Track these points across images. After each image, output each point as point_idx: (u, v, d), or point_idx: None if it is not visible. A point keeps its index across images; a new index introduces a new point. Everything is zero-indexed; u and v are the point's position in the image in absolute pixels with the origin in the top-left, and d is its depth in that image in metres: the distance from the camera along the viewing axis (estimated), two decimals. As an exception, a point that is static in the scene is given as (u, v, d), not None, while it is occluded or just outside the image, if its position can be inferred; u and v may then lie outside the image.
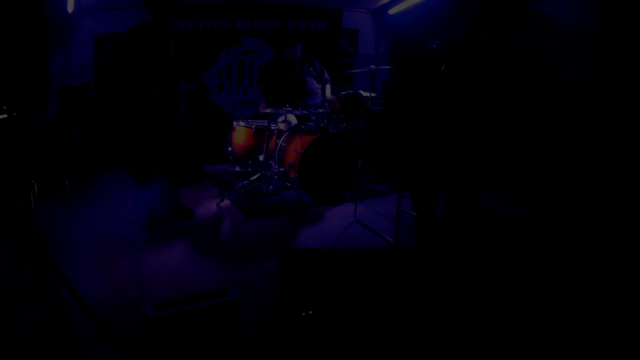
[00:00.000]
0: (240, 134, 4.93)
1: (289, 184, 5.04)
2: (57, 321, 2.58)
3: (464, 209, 4.05)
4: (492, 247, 3.71)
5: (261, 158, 4.83)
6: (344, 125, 5.21)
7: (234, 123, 5.03)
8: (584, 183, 4.58)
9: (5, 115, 2.28)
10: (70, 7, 4.80)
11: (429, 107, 4.03)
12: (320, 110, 5.11)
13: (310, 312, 2.57)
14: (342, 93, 5.28)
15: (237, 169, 4.97)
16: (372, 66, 5.91)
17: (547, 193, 4.77)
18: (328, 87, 5.64)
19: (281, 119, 5.16)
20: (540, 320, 2.76)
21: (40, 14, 2.22)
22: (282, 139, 5.01)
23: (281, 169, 4.95)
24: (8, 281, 2.45)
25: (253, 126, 4.89)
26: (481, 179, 4.26)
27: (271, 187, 5.01)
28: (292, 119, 5.28)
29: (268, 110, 5.15)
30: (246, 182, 5.10)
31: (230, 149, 4.98)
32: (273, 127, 4.90)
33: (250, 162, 4.85)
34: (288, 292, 2.61)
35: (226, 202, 4.88)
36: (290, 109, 5.05)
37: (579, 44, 4.68)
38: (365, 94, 5.52)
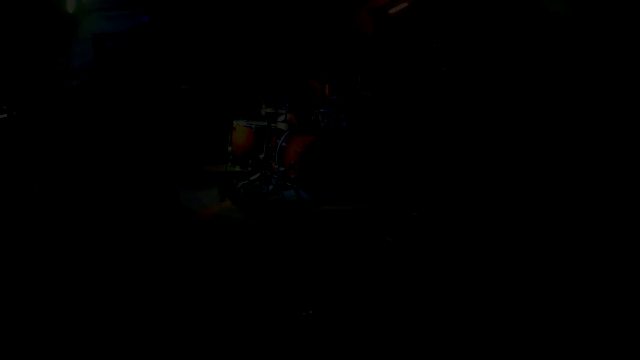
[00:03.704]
0: (241, 133, 4.94)
1: (289, 184, 5.04)
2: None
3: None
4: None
5: (261, 158, 4.83)
6: (344, 125, 5.22)
7: (234, 123, 5.03)
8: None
9: (5, 115, 2.29)
10: (70, 7, 4.81)
11: (429, 107, 4.03)
12: (321, 110, 5.12)
13: (310, 312, 2.57)
14: (342, 93, 5.29)
15: (237, 168, 4.97)
16: (371, 66, 5.91)
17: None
18: (327, 87, 5.65)
19: (281, 119, 5.17)
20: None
21: (40, 15, 2.22)
22: (282, 139, 5.01)
23: (281, 169, 4.95)
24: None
25: (253, 126, 4.89)
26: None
27: (271, 187, 5.01)
28: (292, 119, 5.29)
29: (268, 110, 5.16)
30: (246, 182, 5.10)
31: (230, 148, 4.98)
32: (273, 127, 4.90)
33: (250, 161, 4.85)
34: (288, 290, 2.61)
35: (226, 202, 4.89)
36: (290, 108, 5.06)
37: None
38: (364, 93, 5.53)
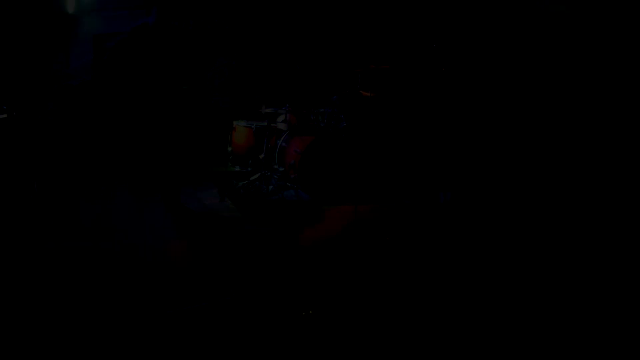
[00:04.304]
0: (241, 133, 4.94)
1: (289, 184, 5.04)
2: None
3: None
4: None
5: (261, 158, 4.83)
6: (344, 125, 5.22)
7: (234, 123, 5.03)
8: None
9: (5, 115, 2.29)
10: (70, 7, 4.81)
11: (428, 106, 4.04)
12: (320, 110, 5.12)
13: (310, 312, 2.57)
14: (342, 93, 5.29)
15: (237, 168, 4.97)
16: (372, 66, 5.91)
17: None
18: (327, 87, 5.65)
19: (281, 119, 5.16)
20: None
21: (40, 15, 2.22)
22: (282, 139, 5.01)
23: (281, 169, 4.95)
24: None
25: (253, 126, 4.89)
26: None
27: (271, 187, 5.01)
28: (292, 119, 5.28)
29: (268, 110, 5.16)
30: (246, 182, 5.10)
31: (230, 148, 4.99)
32: (273, 127, 4.90)
33: (250, 162, 4.85)
34: (288, 290, 2.62)
35: (226, 202, 4.88)
36: (290, 109, 5.06)
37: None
38: (365, 93, 5.53)
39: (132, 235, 3.86)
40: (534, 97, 5.18)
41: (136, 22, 4.03)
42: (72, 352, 2.38)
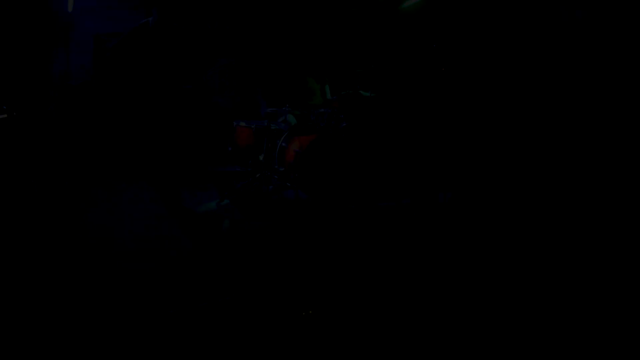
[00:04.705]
0: (241, 133, 4.94)
1: (289, 184, 5.04)
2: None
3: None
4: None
5: (261, 158, 4.84)
6: (344, 125, 5.22)
7: (235, 123, 5.03)
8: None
9: (5, 115, 2.29)
10: (70, 7, 4.81)
11: (428, 106, 4.04)
12: (321, 110, 5.12)
13: (310, 312, 2.57)
14: (342, 93, 5.29)
15: (237, 168, 4.98)
16: (372, 66, 5.91)
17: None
18: (327, 87, 5.65)
19: (281, 119, 5.17)
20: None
21: (40, 15, 2.23)
22: (282, 139, 5.01)
23: (281, 169, 4.96)
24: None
25: (253, 126, 4.89)
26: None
27: (271, 187, 5.02)
28: (292, 119, 5.29)
29: (268, 110, 5.17)
30: (246, 182, 5.11)
31: (230, 149, 4.99)
32: (273, 127, 4.91)
33: (250, 162, 4.85)
34: (288, 290, 2.62)
35: (226, 202, 4.89)
36: (290, 109, 5.06)
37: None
38: (365, 93, 5.53)
39: (132, 235, 3.86)
40: (533, 97, 5.19)
41: (136, 22, 4.03)
42: (72, 352, 2.38)
